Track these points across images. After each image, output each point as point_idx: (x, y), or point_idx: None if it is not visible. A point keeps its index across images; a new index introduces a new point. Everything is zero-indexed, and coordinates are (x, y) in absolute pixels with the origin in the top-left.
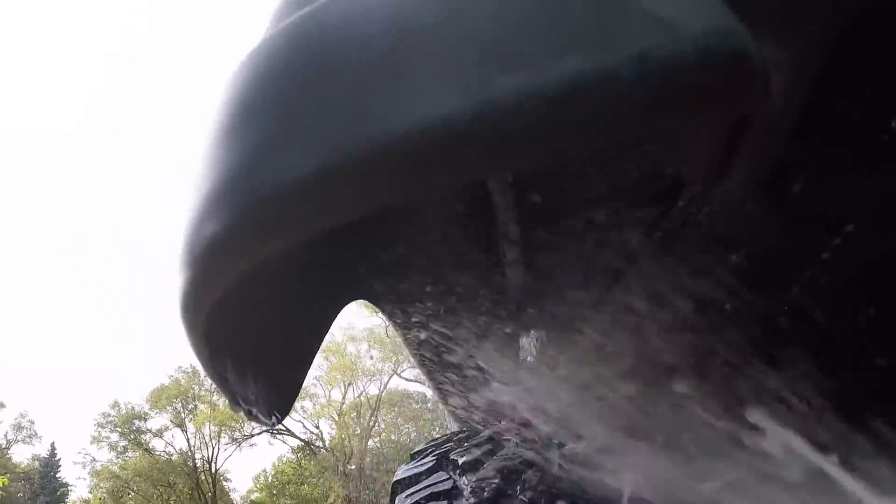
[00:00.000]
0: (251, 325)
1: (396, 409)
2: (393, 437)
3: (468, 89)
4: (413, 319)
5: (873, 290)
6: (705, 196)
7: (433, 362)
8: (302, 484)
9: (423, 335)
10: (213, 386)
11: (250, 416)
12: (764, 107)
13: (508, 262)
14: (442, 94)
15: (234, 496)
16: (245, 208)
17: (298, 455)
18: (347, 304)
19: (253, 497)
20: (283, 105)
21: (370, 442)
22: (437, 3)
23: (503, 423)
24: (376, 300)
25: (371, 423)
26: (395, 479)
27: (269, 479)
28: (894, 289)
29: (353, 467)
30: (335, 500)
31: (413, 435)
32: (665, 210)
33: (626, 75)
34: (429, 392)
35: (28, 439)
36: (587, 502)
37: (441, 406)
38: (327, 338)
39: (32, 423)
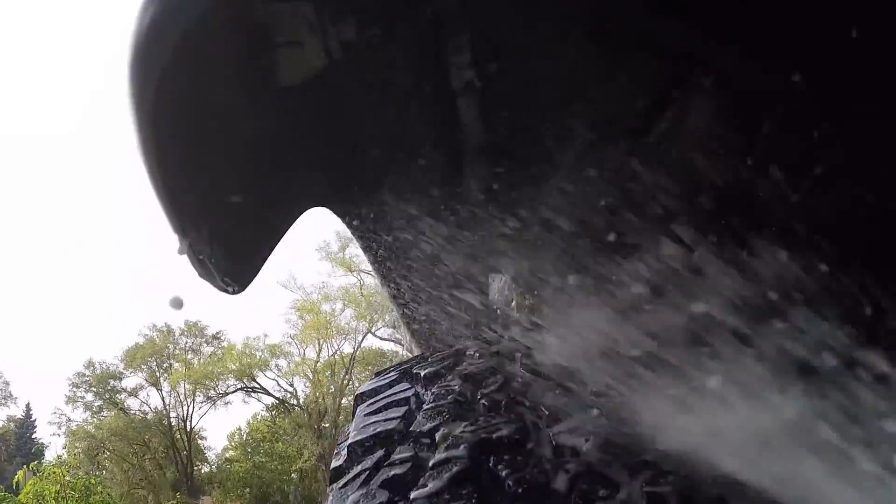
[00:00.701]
0: (210, 156)
1: (371, 367)
2: None
3: None
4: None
5: None
6: None
7: (394, 270)
8: (276, 441)
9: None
10: (188, 345)
11: (203, 270)
12: None
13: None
14: None
15: (210, 454)
16: None
17: (273, 413)
18: (308, 209)
19: (228, 455)
20: None
21: (344, 400)
22: None
23: (465, 330)
24: (337, 206)
25: (345, 382)
26: (357, 392)
27: (244, 437)
28: None
29: (327, 425)
30: (309, 457)
31: None
32: None
33: None
34: (402, 351)
35: (3, 400)
36: (546, 406)
37: (405, 336)
38: (301, 296)
39: (7, 384)
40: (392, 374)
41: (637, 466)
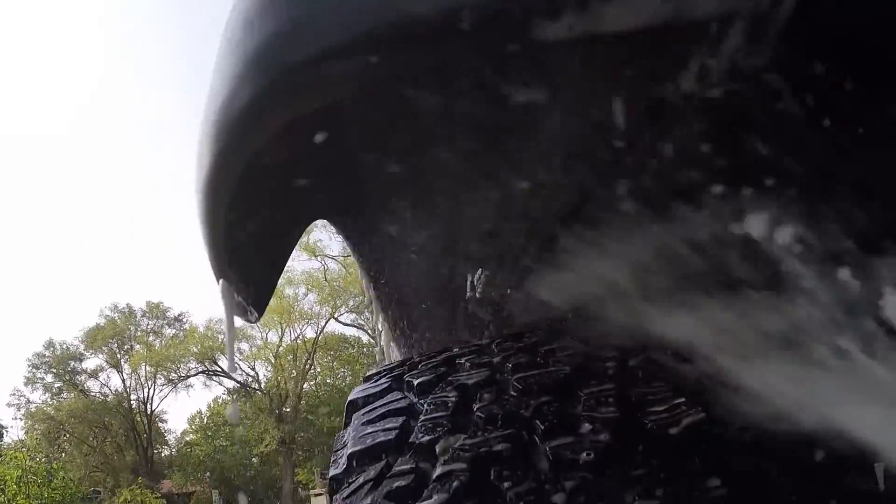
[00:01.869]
0: (250, 216)
1: (333, 352)
2: (328, 381)
3: None
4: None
5: None
6: None
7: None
8: (237, 426)
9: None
10: (150, 326)
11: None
12: None
13: None
14: None
15: (170, 437)
16: (280, 72)
17: (234, 397)
18: (312, 222)
19: (188, 438)
20: None
21: (306, 385)
22: None
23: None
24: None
25: (307, 367)
26: (349, 399)
27: (205, 421)
28: None
29: (289, 409)
30: (270, 441)
31: (349, 379)
32: None
33: None
34: (365, 337)
35: None
36: (545, 421)
37: (381, 343)
38: None
39: None
40: (383, 381)
41: (632, 480)
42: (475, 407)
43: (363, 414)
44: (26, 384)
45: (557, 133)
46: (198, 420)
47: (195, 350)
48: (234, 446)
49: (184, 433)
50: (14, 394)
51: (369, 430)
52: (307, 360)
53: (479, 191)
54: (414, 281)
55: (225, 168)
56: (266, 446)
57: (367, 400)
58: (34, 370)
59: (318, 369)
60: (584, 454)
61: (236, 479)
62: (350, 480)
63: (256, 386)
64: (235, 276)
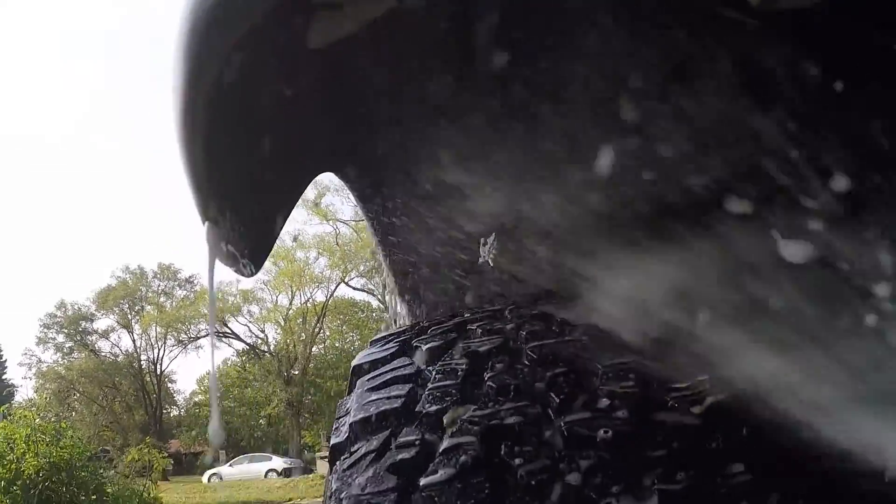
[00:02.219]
0: (237, 148)
1: (342, 316)
2: (337, 345)
3: None
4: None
5: None
6: None
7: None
8: (246, 387)
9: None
10: (161, 288)
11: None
12: None
13: None
14: None
15: (179, 398)
16: None
17: (243, 359)
18: (318, 173)
19: (197, 399)
20: None
21: (314, 348)
22: None
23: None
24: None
25: (316, 330)
26: (354, 363)
27: None
28: None
29: (297, 372)
30: (278, 403)
31: (357, 343)
32: None
33: None
34: (375, 301)
35: None
36: (560, 394)
37: (392, 306)
38: (276, 243)
39: None
40: (390, 345)
41: (651, 461)
42: (486, 376)
43: (368, 380)
44: (38, 344)
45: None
46: (207, 381)
47: (205, 312)
48: (242, 407)
49: (193, 393)
50: (26, 353)
51: (374, 397)
52: (316, 323)
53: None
54: (426, 243)
55: (201, 70)
56: (274, 408)
57: (373, 365)
58: (46, 330)
59: (328, 333)
60: (602, 431)
61: (244, 439)
62: (352, 450)
63: (265, 348)
64: (224, 220)
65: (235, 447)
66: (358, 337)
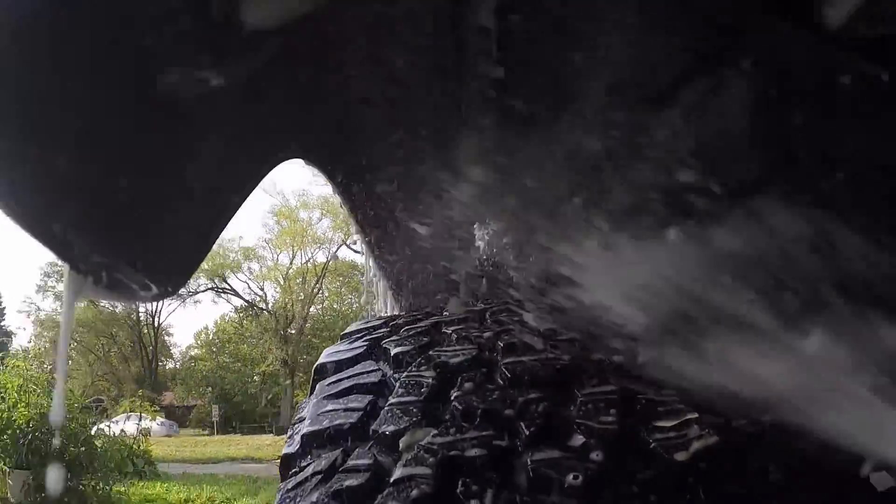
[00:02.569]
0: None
1: (342, 278)
2: (335, 307)
3: None
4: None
5: None
6: None
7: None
8: (242, 343)
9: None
10: None
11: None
12: None
13: None
14: None
15: (175, 351)
16: None
17: (241, 315)
18: (280, 163)
19: (193, 353)
20: None
21: (312, 308)
22: None
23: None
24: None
25: (315, 290)
26: (318, 362)
27: (211, 337)
28: None
29: (294, 331)
30: (273, 361)
31: (355, 306)
32: None
33: None
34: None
35: None
36: (523, 417)
37: (375, 292)
38: (280, 201)
39: None
40: (359, 343)
41: None
42: (453, 395)
43: (328, 384)
44: (37, 292)
45: None
46: (204, 335)
47: (206, 266)
48: (237, 363)
49: (189, 347)
50: (25, 301)
51: (330, 407)
52: (316, 283)
53: None
54: (411, 236)
55: None
56: (269, 365)
57: (337, 366)
58: (46, 279)
59: (326, 294)
60: (571, 476)
61: (238, 395)
62: (301, 465)
63: (264, 306)
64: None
65: (228, 401)
66: (356, 300)
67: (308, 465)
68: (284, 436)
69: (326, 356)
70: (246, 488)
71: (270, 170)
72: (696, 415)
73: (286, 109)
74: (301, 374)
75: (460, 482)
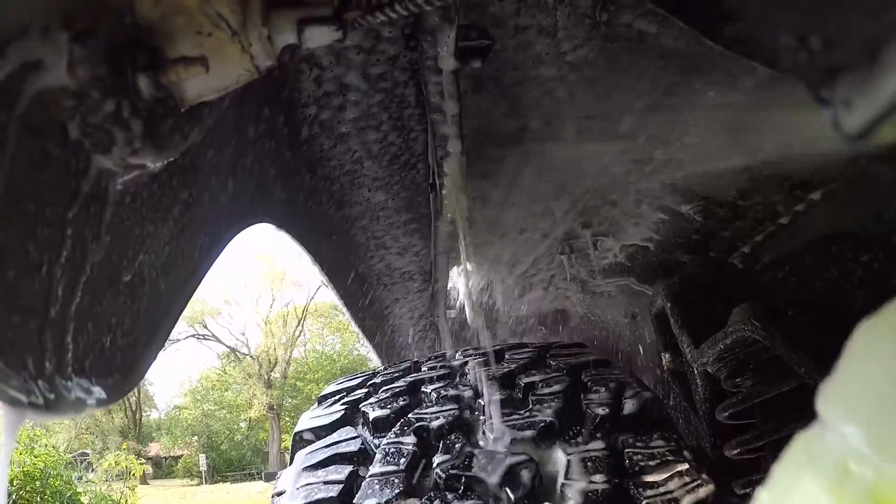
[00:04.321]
0: None
1: (323, 319)
2: (318, 348)
3: None
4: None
5: None
6: None
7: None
8: (226, 390)
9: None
10: None
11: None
12: None
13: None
14: None
15: (158, 400)
16: None
17: (223, 361)
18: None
19: (177, 402)
20: None
21: (295, 351)
22: None
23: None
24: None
25: (297, 333)
26: (296, 430)
27: (194, 385)
28: None
29: (277, 375)
30: (258, 406)
31: (338, 346)
32: None
33: None
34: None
35: None
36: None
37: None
38: (258, 244)
39: None
40: (336, 408)
41: None
42: (434, 461)
43: (308, 454)
44: None
45: None
46: (187, 384)
47: (186, 314)
48: (222, 410)
49: (173, 397)
50: None
51: (310, 480)
52: (297, 326)
53: None
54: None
55: None
56: (254, 411)
57: (316, 434)
58: None
59: (308, 336)
60: None
61: (224, 442)
62: None
63: (246, 350)
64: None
65: (216, 449)
66: (339, 340)
67: None
68: (273, 482)
69: (304, 422)
70: None
71: (238, 232)
72: (686, 465)
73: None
74: (287, 418)
75: None
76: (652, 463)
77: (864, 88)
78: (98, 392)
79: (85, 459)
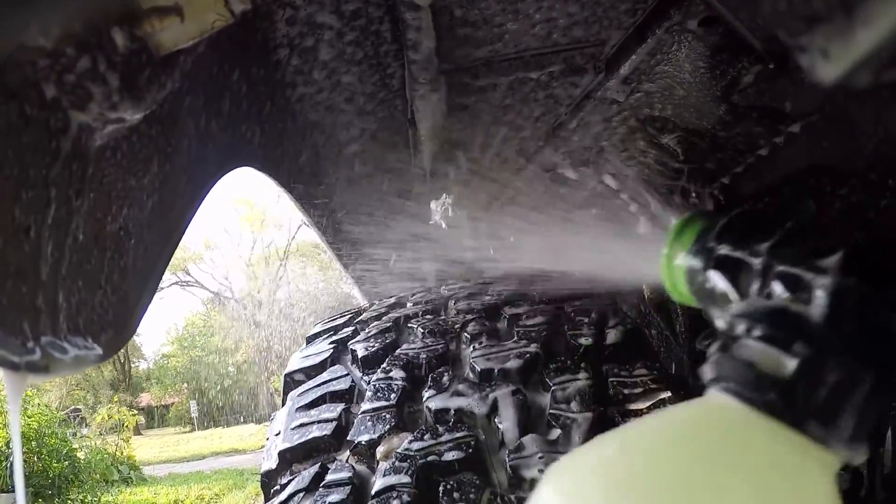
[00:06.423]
0: None
1: (305, 258)
2: (302, 287)
3: None
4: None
5: None
6: None
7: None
8: (212, 336)
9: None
10: None
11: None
12: None
13: None
14: None
15: (146, 350)
16: None
17: (208, 307)
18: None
19: (164, 350)
20: None
21: (279, 292)
22: None
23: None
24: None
25: (280, 274)
26: (287, 371)
27: (181, 332)
28: None
29: (264, 317)
30: (246, 350)
31: (321, 284)
32: None
33: None
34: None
35: None
36: (496, 413)
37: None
38: (236, 187)
39: None
40: (325, 347)
41: None
42: (424, 395)
43: (300, 395)
44: None
45: None
46: (173, 331)
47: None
48: (210, 356)
49: (160, 345)
50: None
51: (303, 420)
52: (280, 267)
53: None
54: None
55: None
56: (242, 355)
57: (307, 374)
58: None
59: (291, 276)
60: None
61: (214, 387)
62: (282, 482)
63: (230, 294)
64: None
65: (206, 395)
66: (322, 279)
67: (288, 481)
68: (266, 423)
69: (296, 363)
70: (233, 482)
71: (220, 177)
72: (668, 394)
73: (220, 123)
74: (276, 360)
75: (440, 487)
76: (636, 391)
77: (840, 39)
78: (94, 349)
79: (78, 415)
